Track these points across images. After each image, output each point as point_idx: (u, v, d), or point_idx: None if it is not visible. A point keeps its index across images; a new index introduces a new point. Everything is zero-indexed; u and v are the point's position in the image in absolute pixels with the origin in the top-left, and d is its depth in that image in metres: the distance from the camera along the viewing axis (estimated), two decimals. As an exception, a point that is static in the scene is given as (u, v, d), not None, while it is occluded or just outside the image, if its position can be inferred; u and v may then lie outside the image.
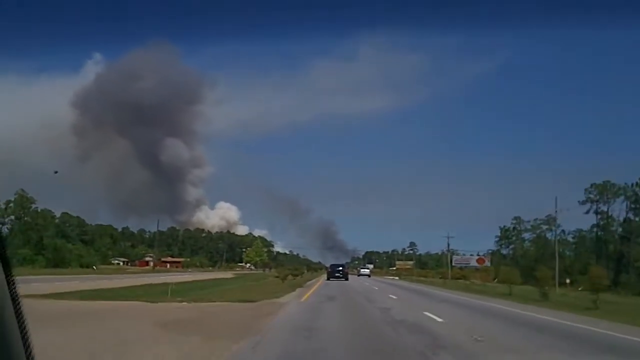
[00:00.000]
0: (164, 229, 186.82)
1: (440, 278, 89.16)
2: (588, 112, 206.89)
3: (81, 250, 79.54)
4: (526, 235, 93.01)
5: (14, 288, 1.04)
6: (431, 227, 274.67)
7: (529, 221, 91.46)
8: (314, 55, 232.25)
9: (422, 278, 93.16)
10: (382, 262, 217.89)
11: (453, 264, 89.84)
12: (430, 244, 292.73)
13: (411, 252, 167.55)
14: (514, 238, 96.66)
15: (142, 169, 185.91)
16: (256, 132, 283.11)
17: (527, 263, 78.10)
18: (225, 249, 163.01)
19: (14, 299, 1.04)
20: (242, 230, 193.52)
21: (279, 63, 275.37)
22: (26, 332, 1.09)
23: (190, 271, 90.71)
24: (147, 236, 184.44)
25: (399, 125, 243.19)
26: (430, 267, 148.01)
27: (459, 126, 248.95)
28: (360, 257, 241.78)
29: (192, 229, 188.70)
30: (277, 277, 45.63)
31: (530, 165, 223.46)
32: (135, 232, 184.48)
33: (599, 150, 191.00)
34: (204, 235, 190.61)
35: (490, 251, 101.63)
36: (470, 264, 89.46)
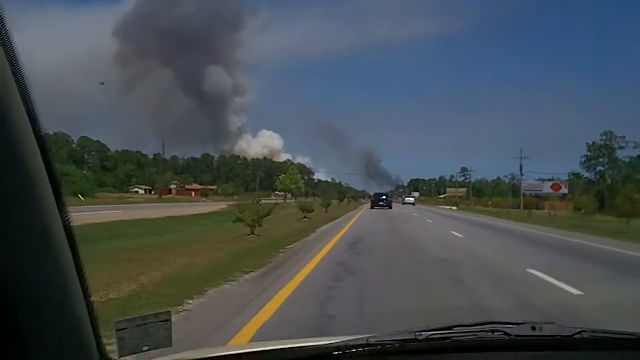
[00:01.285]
0: (198, 156, 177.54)
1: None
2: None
3: (76, 176, 68.15)
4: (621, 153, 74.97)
5: (66, 215, 1.07)
6: (483, 151, 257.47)
7: (623, 137, 73.40)
8: None
9: (490, 208, 74.00)
10: (429, 189, 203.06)
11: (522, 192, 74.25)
12: (484, 170, 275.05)
13: (463, 178, 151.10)
14: (603, 159, 78.07)
15: (184, 98, 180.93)
16: (299, 59, 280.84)
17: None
18: (260, 176, 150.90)
19: (66, 226, 1.07)
20: (284, 158, 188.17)
21: None
22: (79, 259, 1.09)
23: (204, 200, 78.40)
24: (180, 163, 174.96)
25: (458, 47, 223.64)
26: (487, 194, 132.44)
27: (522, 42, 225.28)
28: (405, 184, 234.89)
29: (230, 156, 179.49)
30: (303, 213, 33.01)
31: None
32: (168, 158, 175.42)
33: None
34: (239, 162, 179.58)
35: (571, 175, 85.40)
36: (543, 191, 74.23)
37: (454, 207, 77.58)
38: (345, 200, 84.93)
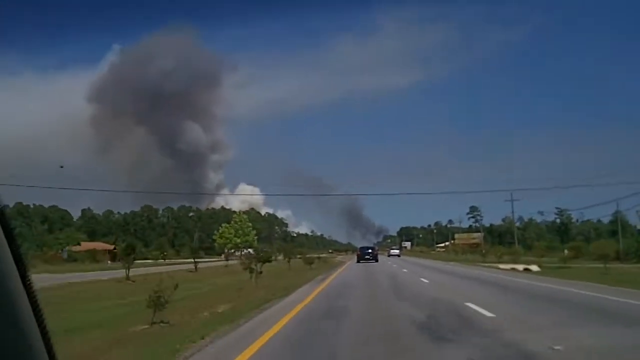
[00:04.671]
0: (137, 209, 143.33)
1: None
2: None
3: None
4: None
5: (30, 283, 1.09)
6: (475, 196, 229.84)
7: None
8: (335, 32, 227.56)
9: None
10: (425, 237, 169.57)
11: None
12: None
13: (473, 220, 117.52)
14: None
15: (160, 156, 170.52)
16: (278, 112, 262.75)
17: None
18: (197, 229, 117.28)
19: (30, 295, 1.10)
20: (264, 212, 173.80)
21: (300, 42, 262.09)
22: (46, 329, 1.11)
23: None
24: (113, 219, 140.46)
25: (428, 99, 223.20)
26: (507, 240, 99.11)
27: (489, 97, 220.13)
28: (394, 235, 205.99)
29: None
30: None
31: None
32: (101, 213, 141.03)
33: None
34: (190, 214, 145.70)
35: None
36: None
37: (518, 267, 36.27)
38: (317, 260, 52.02)
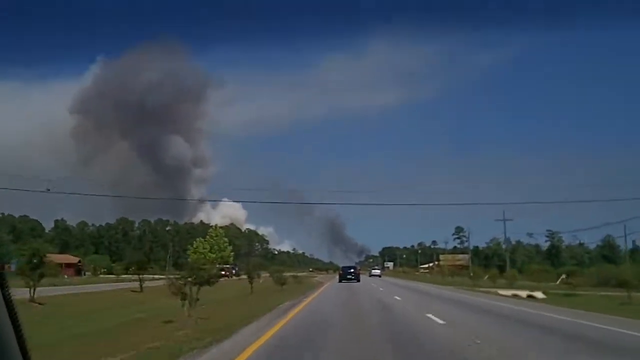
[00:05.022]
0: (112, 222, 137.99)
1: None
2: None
3: None
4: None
5: (7, 291, 1.13)
6: (463, 217, 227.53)
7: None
8: (322, 52, 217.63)
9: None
10: (411, 258, 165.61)
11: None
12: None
13: (458, 241, 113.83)
14: None
15: (142, 170, 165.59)
16: (263, 130, 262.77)
17: None
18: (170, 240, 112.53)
19: (8, 302, 1.13)
20: (246, 228, 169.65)
21: (287, 60, 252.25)
22: (22, 336, 1.15)
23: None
24: (87, 231, 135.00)
25: (415, 118, 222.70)
26: (494, 263, 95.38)
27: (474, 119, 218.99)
28: (377, 254, 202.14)
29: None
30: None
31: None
32: (75, 225, 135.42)
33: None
34: (168, 228, 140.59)
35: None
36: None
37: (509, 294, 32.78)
38: (294, 279, 47.47)
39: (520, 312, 20.45)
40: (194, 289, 15.83)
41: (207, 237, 73.78)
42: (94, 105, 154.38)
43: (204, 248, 70.45)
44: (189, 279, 15.98)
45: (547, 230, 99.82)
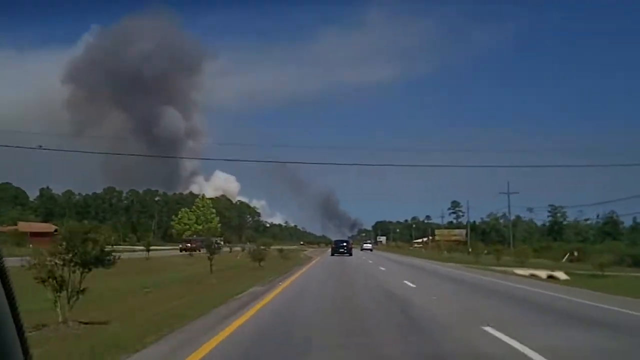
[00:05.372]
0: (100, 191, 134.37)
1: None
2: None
3: None
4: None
5: (9, 284, 1.13)
6: (458, 192, 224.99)
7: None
8: (319, 24, 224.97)
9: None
10: (404, 233, 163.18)
11: None
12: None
13: (455, 216, 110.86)
14: None
15: (136, 140, 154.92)
16: (257, 102, 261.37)
17: None
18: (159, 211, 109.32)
19: (10, 296, 1.13)
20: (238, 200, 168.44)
21: (283, 33, 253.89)
22: (23, 332, 1.15)
23: None
24: (74, 200, 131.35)
25: (412, 93, 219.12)
26: (492, 238, 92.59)
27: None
28: (370, 228, 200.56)
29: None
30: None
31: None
32: (61, 193, 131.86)
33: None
34: (157, 199, 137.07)
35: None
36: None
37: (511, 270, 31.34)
38: (279, 254, 43.46)
39: (560, 300, 16.20)
40: (77, 272, 9.78)
41: (194, 207, 70.35)
42: (87, 75, 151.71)
43: (189, 219, 67.06)
44: (69, 256, 9.64)
45: (550, 205, 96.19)
